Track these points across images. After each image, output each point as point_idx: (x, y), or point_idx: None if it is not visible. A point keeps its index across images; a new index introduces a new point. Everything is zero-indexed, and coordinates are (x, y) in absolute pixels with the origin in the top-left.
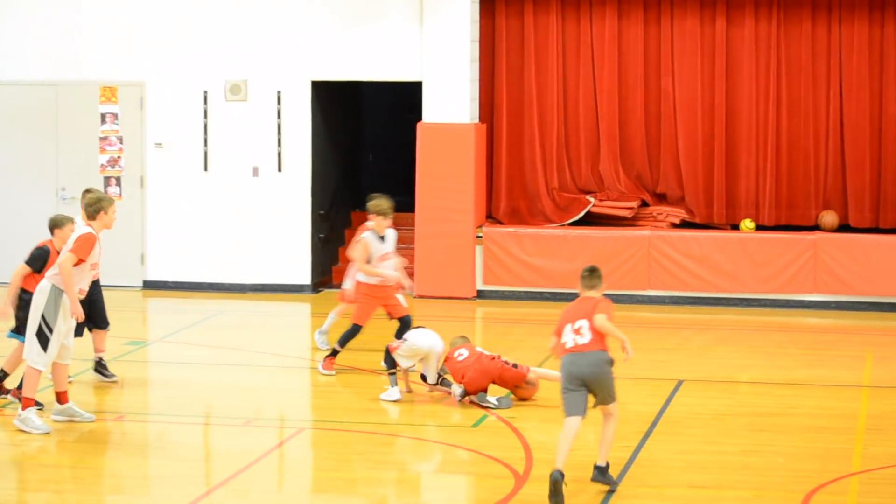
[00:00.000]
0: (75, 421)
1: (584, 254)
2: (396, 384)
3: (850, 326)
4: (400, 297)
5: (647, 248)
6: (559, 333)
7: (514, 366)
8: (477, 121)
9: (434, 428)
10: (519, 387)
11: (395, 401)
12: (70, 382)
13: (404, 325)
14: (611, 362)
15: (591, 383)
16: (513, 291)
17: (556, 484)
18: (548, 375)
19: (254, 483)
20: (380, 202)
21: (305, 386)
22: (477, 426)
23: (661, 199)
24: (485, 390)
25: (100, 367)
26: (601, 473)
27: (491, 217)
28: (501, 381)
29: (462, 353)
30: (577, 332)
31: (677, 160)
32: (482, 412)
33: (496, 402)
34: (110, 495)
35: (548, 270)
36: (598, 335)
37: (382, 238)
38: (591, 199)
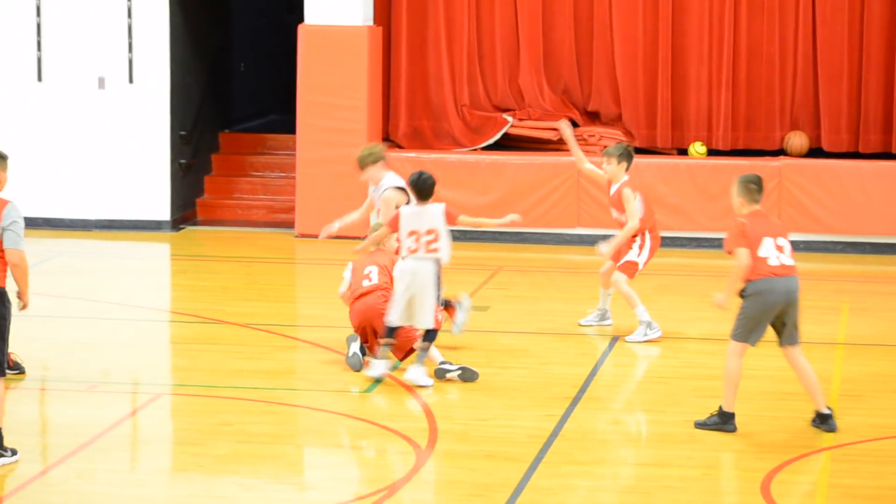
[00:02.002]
0: None
1: (499, 184)
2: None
3: (821, 271)
4: None
5: (576, 177)
6: (753, 245)
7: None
8: (371, 23)
9: (318, 394)
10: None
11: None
12: None
13: None
14: None
15: (787, 314)
16: None
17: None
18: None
19: (100, 461)
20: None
21: (163, 343)
22: (370, 391)
23: (594, 118)
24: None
25: None
26: (825, 420)
27: (388, 140)
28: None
29: (372, 272)
30: (780, 249)
31: (613, 71)
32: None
33: (458, 372)
34: None
35: (456, 204)
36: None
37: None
38: (509, 119)
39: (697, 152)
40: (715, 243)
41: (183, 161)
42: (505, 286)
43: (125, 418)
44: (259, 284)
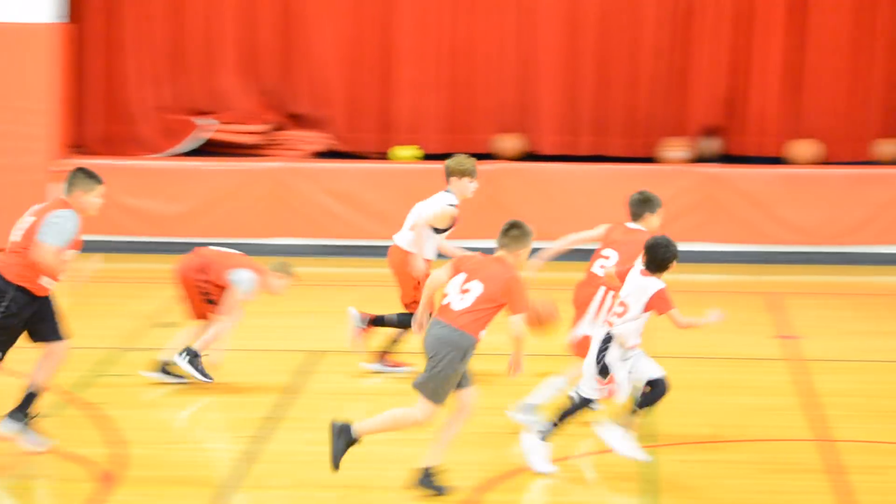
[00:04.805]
0: None
1: (194, 193)
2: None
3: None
4: None
5: (273, 184)
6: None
7: None
8: (63, 20)
9: None
10: None
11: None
12: None
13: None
14: (465, 355)
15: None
16: (103, 242)
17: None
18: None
19: None
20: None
21: None
22: (51, 416)
23: (299, 121)
24: None
25: None
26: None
27: (79, 147)
28: None
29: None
30: (464, 292)
31: (316, 71)
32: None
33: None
34: None
35: (149, 214)
36: (484, 314)
37: None
38: (203, 122)
39: (405, 156)
40: None
41: None
42: None
43: None
44: None
